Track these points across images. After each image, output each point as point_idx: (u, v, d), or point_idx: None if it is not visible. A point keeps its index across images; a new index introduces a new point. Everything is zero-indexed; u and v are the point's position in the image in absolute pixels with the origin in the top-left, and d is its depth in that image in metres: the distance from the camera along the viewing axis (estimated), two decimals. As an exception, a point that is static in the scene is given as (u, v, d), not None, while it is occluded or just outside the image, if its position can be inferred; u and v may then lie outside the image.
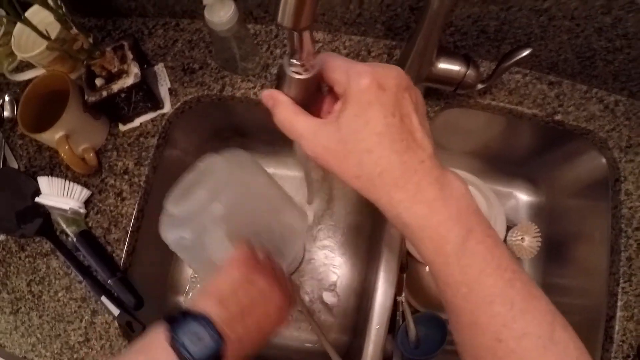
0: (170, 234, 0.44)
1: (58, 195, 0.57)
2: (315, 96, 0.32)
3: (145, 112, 0.59)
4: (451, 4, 0.44)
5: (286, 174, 0.78)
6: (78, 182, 0.57)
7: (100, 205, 0.58)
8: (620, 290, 0.55)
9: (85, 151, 0.57)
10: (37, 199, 0.57)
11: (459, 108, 0.62)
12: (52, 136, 0.54)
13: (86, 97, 0.54)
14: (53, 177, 0.58)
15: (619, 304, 0.54)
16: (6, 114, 0.65)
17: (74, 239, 0.55)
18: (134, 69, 0.54)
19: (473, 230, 0.28)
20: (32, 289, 0.57)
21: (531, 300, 0.28)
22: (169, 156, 0.63)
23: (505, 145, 0.70)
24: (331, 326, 0.71)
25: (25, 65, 0.65)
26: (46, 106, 0.56)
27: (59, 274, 0.56)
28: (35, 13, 0.58)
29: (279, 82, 0.31)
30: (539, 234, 0.63)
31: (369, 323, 0.56)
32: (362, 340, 0.56)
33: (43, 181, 0.57)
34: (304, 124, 0.30)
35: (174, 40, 0.63)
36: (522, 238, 0.63)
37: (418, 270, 0.68)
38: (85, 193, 0.57)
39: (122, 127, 0.60)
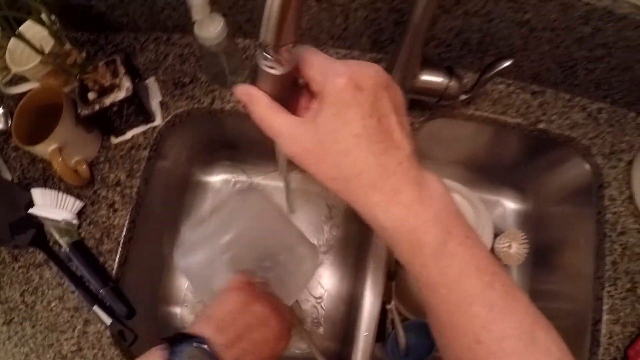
0: (182, 261, 0.46)
1: (51, 206, 0.58)
2: (292, 91, 0.32)
3: (137, 125, 0.61)
4: (432, 18, 0.47)
5: (277, 185, 0.80)
6: (71, 194, 0.59)
7: (93, 216, 0.59)
8: (605, 294, 0.57)
9: (78, 163, 0.59)
10: (30, 210, 0.58)
11: (443, 118, 0.64)
12: (46, 148, 0.55)
13: (79, 111, 0.56)
14: (46, 189, 0.59)
15: (605, 307, 0.56)
16: (0, 126, 0.67)
17: (67, 250, 0.57)
18: (126, 83, 0.56)
19: (452, 231, 0.28)
20: (26, 299, 0.58)
21: (511, 302, 0.28)
22: (160, 168, 0.65)
23: (492, 154, 0.72)
24: (321, 335, 0.72)
25: (19, 79, 0.66)
26: (40, 119, 0.58)
27: (52, 284, 0.58)
28: (29, 27, 0.60)
29: (254, 76, 0.30)
30: (526, 241, 0.65)
31: (357, 331, 0.57)
32: (350, 348, 0.58)
33: (36, 192, 0.59)
34: (282, 122, 0.29)
35: (165, 55, 0.65)
36: (509, 245, 0.64)
37: (407, 278, 0.70)
38: (78, 204, 0.59)
39: (114, 140, 0.62)
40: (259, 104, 0.30)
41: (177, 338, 0.35)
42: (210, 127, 0.69)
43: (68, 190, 0.60)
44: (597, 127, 0.62)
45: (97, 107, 0.56)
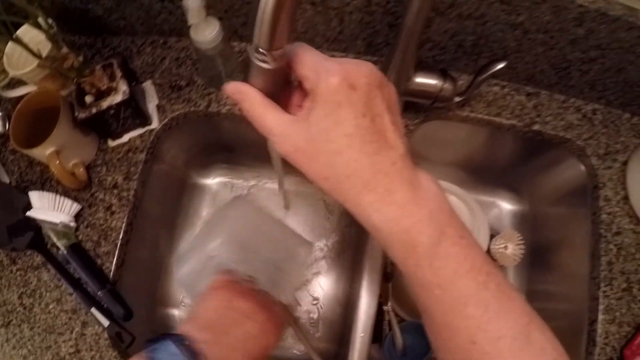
0: (179, 272, 0.47)
1: (49, 209, 0.59)
2: (284, 87, 0.31)
3: (134, 128, 0.62)
4: (425, 21, 0.48)
5: (273, 187, 0.82)
6: (68, 197, 0.60)
7: (90, 219, 0.60)
8: (601, 294, 0.57)
9: (75, 166, 0.60)
10: (28, 213, 0.60)
11: (438, 120, 0.65)
12: (43, 152, 0.56)
13: (76, 114, 0.57)
14: (44, 192, 0.60)
15: (601, 307, 0.57)
16: (-2, 129, 0.69)
17: (65, 252, 0.58)
18: (123, 87, 0.57)
19: (446, 231, 0.28)
20: (24, 302, 0.59)
21: (506, 302, 0.28)
22: (157, 171, 0.66)
23: (487, 156, 0.73)
24: (318, 336, 0.74)
25: (17, 82, 0.68)
26: (37, 122, 0.59)
27: (49, 286, 0.59)
28: (27, 31, 0.61)
29: (247, 72, 0.30)
30: (522, 242, 0.66)
31: (353, 332, 0.58)
32: (347, 349, 0.59)
33: (34, 195, 0.60)
34: (274, 120, 0.29)
35: (161, 58, 0.66)
36: (505, 246, 0.65)
37: (403, 279, 0.71)
38: (76, 207, 0.60)
39: (111, 143, 0.63)
40: (251, 100, 0.30)
41: (160, 338, 0.35)
42: (206, 130, 0.70)
43: (66, 193, 0.61)
44: (592, 128, 0.63)
45: (94, 110, 0.57)
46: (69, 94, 0.63)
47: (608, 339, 0.57)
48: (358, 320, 0.58)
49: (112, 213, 0.60)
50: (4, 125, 0.68)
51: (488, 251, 0.66)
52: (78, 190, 0.62)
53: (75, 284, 0.58)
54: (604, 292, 0.58)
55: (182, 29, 0.64)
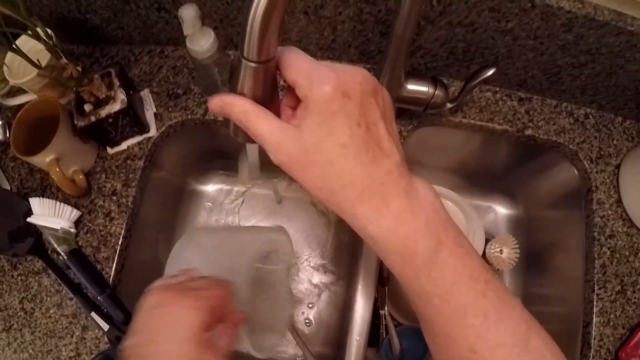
0: None
1: (49, 215, 0.62)
2: (273, 92, 0.31)
3: (132, 136, 0.65)
4: (414, 29, 0.50)
5: (268, 193, 0.84)
6: (68, 203, 0.63)
7: (90, 225, 0.63)
8: (595, 296, 0.60)
9: (75, 173, 0.63)
10: (29, 219, 0.62)
11: (432, 127, 0.67)
12: (43, 159, 0.59)
13: (75, 122, 0.60)
14: (44, 198, 0.62)
15: (595, 310, 0.59)
16: (-2, 137, 0.72)
17: (65, 258, 0.61)
18: (121, 95, 0.59)
19: (443, 240, 0.28)
20: (25, 306, 0.62)
21: (504, 310, 0.29)
22: (155, 178, 0.68)
23: (481, 161, 0.75)
24: (315, 340, 0.76)
25: (17, 91, 0.70)
26: (37, 130, 0.62)
27: (50, 291, 0.61)
28: (27, 41, 0.64)
29: (233, 76, 0.31)
30: (517, 246, 0.68)
31: (349, 335, 0.60)
32: (343, 353, 0.61)
33: (35, 202, 0.63)
34: (268, 129, 0.29)
35: (159, 67, 0.69)
36: (500, 250, 0.67)
37: (399, 284, 0.73)
38: (76, 213, 0.63)
39: (110, 151, 0.66)
40: (242, 110, 0.30)
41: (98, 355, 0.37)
42: (203, 137, 0.72)
43: (65, 199, 0.64)
44: (584, 132, 0.65)
45: (92, 118, 0.59)
46: (68, 102, 0.66)
47: (603, 341, 0.58)
48: (354, 324, 0.60)
49: (112, 219, 0.63)
50: (4, 133, 0.71)
51: (483, 255, 0.68)
52: (78, 197, 0.64)
53: (76, 288, 0.60)
54: (598, 294, 0.60)
55: (178, 38, 0.67)
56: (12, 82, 0.64)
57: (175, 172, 0.76)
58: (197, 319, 0.36)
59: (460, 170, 0.79)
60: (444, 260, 0.28)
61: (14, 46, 0.57)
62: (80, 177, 0.63)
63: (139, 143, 0.65)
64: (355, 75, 0.28)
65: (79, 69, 0.61)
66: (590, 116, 0.66)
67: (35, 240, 0.63)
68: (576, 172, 0.65)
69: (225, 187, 0.86)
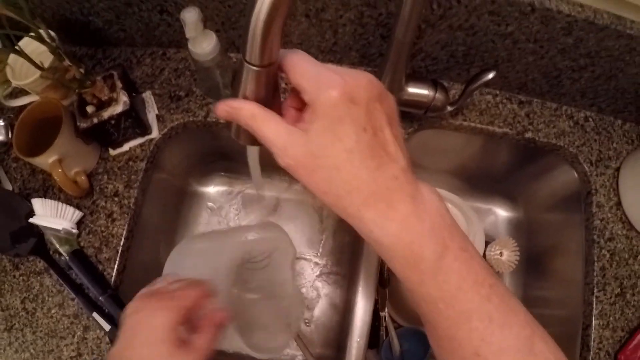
0: None
1: (51, 216, 0.63)
2: (275, 94, 0.32)
3: (134, 138, 0.66)
4: (415, 33, 0.51)
5: (269, 195, 0.85)
6: (70, 204, 0.64)
7: (92, 226, 0.64)
8: (595, 299, 0.61)
9: (77, 174, 0.64)
10: (31, 220, 0.63)
11: (432, 129, 0.68)
12: (46, 160, 0.60)
13: (78, 124, 0.61)
14: (46, 199, 0.64)
15: (595, 312, 0.60)
16: (0, 138, 0.73)
17: (67, 258, 0.62)
18: (123, 97, 0.61)
19: (448, 245, 0.28)
20: (26, 306, 0.63)
21: (509, 314, 0.29)
22: (157, 179, 0.70)
23: (482, 163, 0.77)
24: (315, 342, 0.77)
25: (19, 92, 0.72)
26: (40, 131, 0.63)
27: (52, 291, 0.63)
28: (29, 42, 0.65)
29: (235, 79, 0.31)
30: (517, 248, 0.69)
31: (350, 337, 0.62)
32: (344, 354, 0.62)
33: (37, 203, 0.64)
34: (275, 132, 0.29)
35: (160, 69, 0.70)
36: (500, 253, 0.68)
37: (400, 286, 0.74)
38: (78, 214, 0.64)
39: (112, 152, 0.67)
40: (250, 114, 0.30)
41: None
42: (205, 139, 0.74)
43: (68, 200, 0.65)
44: (584, 135, 0.66)
45: (95, 120, 0.61)
46: (71, 104, 0.67)
47: (602, 343, 0.60)
48: (354, 325, 0.61)
49: (113, 220, 0.64)
50: (7, 134, 0.72)
51: (483, 258, 0.69)
52: (80, 198, 0.65)
53: (77, 289, 0.61)
54: (598, 297, 0.61)
55: (180, 40, 0.68)
56: (15, 83, 0.65)
57: (177, 173, 0.77)
58: (167, 319, 0.38)
59: (460, 172, 0.80)
60: (449, 265, 0.28)
61: (17, 48, 0.59)
62: (83, 178, 0.64)
63: (141, 145, 0.67)
64: (361, 80, 0.28)
65: (82, 71, 0.63)
66: (590, 119, 0.67)
67: (37, 241, 0.64)
68: (576, 175, 0.67)
69: (227, 188, 0.87)
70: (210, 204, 0.85)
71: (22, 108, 0.66)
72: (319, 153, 0.28)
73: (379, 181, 0.28)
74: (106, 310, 0.60)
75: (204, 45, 0.57)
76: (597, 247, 0.62)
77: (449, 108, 0.60)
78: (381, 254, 0.30)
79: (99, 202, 0.65)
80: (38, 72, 0.62)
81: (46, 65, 0.61)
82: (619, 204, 0.64)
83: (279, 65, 0.30)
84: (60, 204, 0.64)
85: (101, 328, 0.60)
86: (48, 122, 0.63)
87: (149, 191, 0.68)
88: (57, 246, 0.63)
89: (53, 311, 0.62)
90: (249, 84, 0.32)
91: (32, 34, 0.58)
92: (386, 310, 0.72)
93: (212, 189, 0.87)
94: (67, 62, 0.62)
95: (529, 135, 0.66)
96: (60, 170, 0.60)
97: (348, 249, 0.80)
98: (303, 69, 0.29)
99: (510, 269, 0.69)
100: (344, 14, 0.58)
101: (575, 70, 0.61)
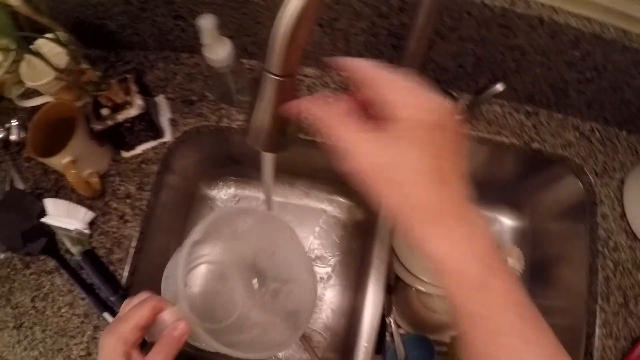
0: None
1: (63, 216, 0.65)
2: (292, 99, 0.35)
3: (147, 141, 0.69)
4: (427, 45, 0.54)
5: (277, 200, 0.87)
6: (82, 205, 0.66)
7: (104, 227, 0.66)
8: (598, 308, 0.62)
9: (90, 175, 0.66)
10: (43, 220, 0.65)
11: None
12: (60, 161, 0.62)
13: (93, 126, 0.64)
14: (59, 199, 0.66)
15: (598, 322, 0.62)
16: (13, 137, 0.75)
17: (79, 258, 0.64)
18: (138, 101, 0.63)
19: (492, 265, 0.31)
20: (36, 305, 0.65)
21: (541, 335, 0.31)
22: (169, 182, 0.72)
23: (488, 173, 0.79)
24: (322, 346, 0.79)
25: (32, 92, 0.73)
26: (53, 132, 0.65)
27: (62, 290, 0.64)
28: (43, 44, 0.67)
29: (255, 88, 0.34)
30: (522, 257, 0.71)
31: (357, 342, 0.63)
32: (351, 359, 0.64)
33: (49, 202, 0.66)
34: (353, 135, 0.31)
35: (174, 73, 0.73)
36: (505, 261, 0.70)
37: (406, 292, 0.76)
38: (90, 215, 0.66)
39: (125, 154, 0.69)
40: (326, 115, 0.32)
41: None
42: (217, 143, 0.76)
43: (80, 201, 0.67)
44: (590, 146, 0.68)
45: (110, 123, 0.63)
46: (84, 106, 0.69)
47: (605, 352, 0.61)
48: (362, 330, 0.63)
49: (126, 222, 0.66)
50: (19, 134, 0.74)
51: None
52: (92, 199, 0.67)
53: (88, 289, 0.63)
54: (601, 306, 0.63)
55: (194, 45, 0.70)
56: (29, 84, 0.67)
57: (188, 176, 0.79)
58: (113, 345, 0.40)
59: (467, 180, 0.82)
60: (492, 283, 0.31)
61: (33, 49, 0.61)
62: (95, 179, 0.66)
63: (153, 148, 0.69)
64: (445, 109, 0.30)
65: (98, 74, 0.65)
66: (596, 130, 0.69)
67: (48, 240, 0.66)
68: (581, 185, 0.69)
69: (237, 192, 0.89)
70: (220, 205, 0.87)
71: (34, 108, 0.68)
72: (392, 166, 0.30)
73: (441, 203, 0.30)
74: (117, 310, 0.62)
75: (219, 51, 0.59)
76: (601, 257, 0.64)
77: (458, 118, 0.62)
78: (431, 267, 0.32)
79: (111, 203, 0.67)
80: (52, 74, 0.64)
81: (60, 66, 0.63)
82: (623, 214, 0.66)
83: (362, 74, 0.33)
84: (72, 204, 0.66)
85: (112, 328, 0.62)
86: (62, 123, 0.64)
87: (160, 194, 0.70)
88: (69, 246, 0.65)
89: (63, 310, 0.64)
90: (267, 93, 0.34)
91: (51, 35, 0.61)
92: (392, 316, 0.74)
93: (222, 193, 0.89)
94: (84, 65, 0.64)
95: (535, 145, 0.68)
96: (74, 171, 0.62)
97: (356, 254, 0.83)
98: (394, 84, 0.31)
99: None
100: (356, 23, 0.60)
101: (582, 82, 0.63)
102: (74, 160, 0.63)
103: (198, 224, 0.47)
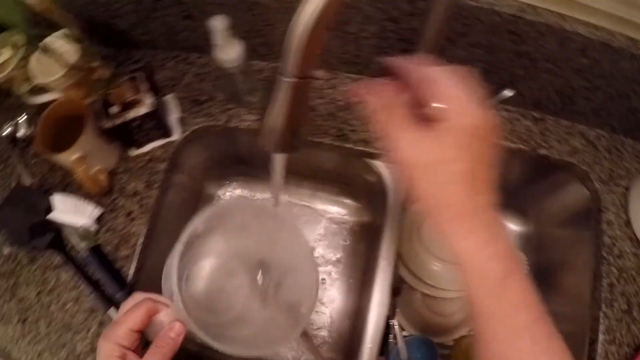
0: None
1: (70, 212, 0.66)
2: (306, 106, 0.38)
3: (156, 139, 0.70)
4: (437, 51, 0.54)
5: (284, 200, 0.87)
6: (89, 201, 0.67)
7: (111, 223, 0.67)
8: (602, 314, 0.63)
9: (98, 172, 0.67)
10: (50, 215, 0.66)
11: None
12: (69, 157, 0.62)
13: (102, 123, 0.65)
14: (66, 195, 0.67)
15: (601, 327, 0.62)
16: (21, 133, 0.76)
17: (85, 254, 0.65)
18: (148, 99, 0.64)
19: (511, 267, 0.34)
20: (41, 299, 0.65)
21: (552, 340, 0.34)
22: (176, 181, 0.73)
23: (495, 178, 0.79)
24: (325, 346, 0.80)
25: (40, 89, 0.74)
26: (62, 129, 0.65)
27: (68, 286, 0.65)
28: (53, 41, 0.68)
29: (269, 89, 0.36)
30: (527, 262, 0.72)
31: (362, 343, 0.64)
32: (354, 359, 0.65)
33: (57, 198, 0.67)
34: (407, 129, 0.34)
35: (183, 73, 0.74)
36: (521, 264, 0.71)
37: (410, 295, 0.77)
38: (97, 211, 0.67)
39: (133, 152, 0.70)
40: (388, 108, 0.36)
41: None
42: (224, 143, 0.77)
43: (87, 197, 0.68)
44: (596, 153, 0.69)
45: (119, 120, 0.64)
46: (93, 103, 0.70)
47: (608, 358, 0.62)
48: (367, 332, 0.64)
49: (133, 219, 0.67)
50: (27, 130, 0.75)
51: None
52: (99, 195, 0.68)
53: (94, 285, 0.64)
54: (605, 312, 0.63)
55: (203, 46, 0.71)
56: (39, 81, 0.68)
57: (195, 176, 0.80)
58: (108, 351, 0.41)
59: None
60: (510, 285, 0.34)
61: (43, 46, 0.62)
62: (103, 176, 0.67)
63: (162, 146, 0.70)
64: (487, 119, 0.34)
65: (110, 72, 0.66)
66: (602, 138, 0.70)
67: (55, 236, 0.67)
68: (587, 192, 0.70)
69: (243, 192, 0.91)
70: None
71: (42, 105, 0.69)
72: (433, 166, 0.34)
73: (471, 204, 0.34)
74: (122, 307, 0.63)
75: (229, 52, 0.60)
76: (605, 264, 0.65)
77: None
78: (456, 263, 0.35)
79: (118, 200, 0.68)
80: (61, 70, 0.65)
81: (70, 63, 0.64)
82: (628, 222, 0.66)
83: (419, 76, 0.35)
84: (79, 200, 0.67)
85: (117, 324, 0.63)
86: (70, 121, 0.65)
87: (168, 192, 0.71)
88: (75, 242, 0.66)
89: (68, 305, 0.65)
90: (283, 95, 0.36)
91: (64, 32, 0.62)
92: (396, 318, 0.75)
93: (228, 193, 0.90)
94: (97, 63, 0.65)
95: (542, 151, 0.69)
96: (82, 167, 0.63)
97: (362, 256, 0.84)
98: (446, 90, 0.34)
99: (519, 283, 0.71)
100: (366, 27, 0.61)
101: (590, 89, 0.64)
102: (83, 156, 0.64)
103: (193, 218, 0.48)
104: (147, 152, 0.70)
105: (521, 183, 0.79)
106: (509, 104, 0.71)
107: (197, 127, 0.71)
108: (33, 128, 0.76)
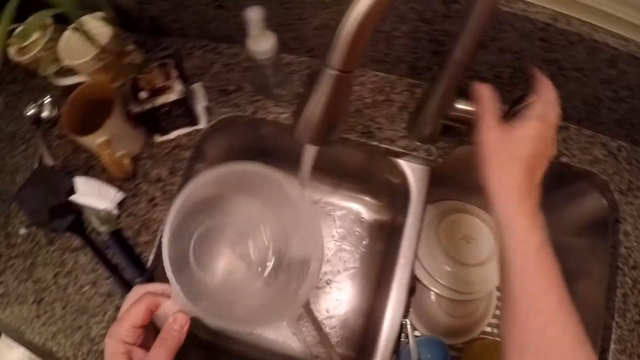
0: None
1: (93, 195, 0.67)
2: (347, 101, 0.43)
3: (182, 127, 0.70)
4: (471, 54, 0.55)
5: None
6: (112, 185, 0.67)
7: (133, 208, 0.68)
8: (614, 324, 0.64)
9: (123, 157, 0.67)
10: (72, 197, 0.67)
11: (472, 145, 0.72)
12: (95, 140, 0.63)
13: (130, 108, 0.65)
14: (89, 178, 0.67)
15: (613, 337, 0.63)
16: (45, 114, 0.77)
17: (105, 238, 0.65)
18: (178, 86, 0.65)
19: (546, 240, 0.45)
20: (58, 281, 0.66)
21: (571, 307, 0.43)
22: (200, 169, 0.73)
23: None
24: (338, 341, 0.81)
25: (66, 71, 0.74)
26: (88, 112, 0.66)
27: (86, 269, 0.66)
28: (89, 20, 0.67)
29: (311, 81, 0.39)
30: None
31: (376, 341, 0.65)
32: (369, 357, 0.65)
33: (79, 181, 0.67)
34: (497, 117, 0.51)
35: (212, 62, 0.75)
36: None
37: (424, 295, 0.78)
38: (119, 195, 0.67)
39: (158, 138, 0.71)
40: (490, 101, 0.52)
41: None
42: (248, 134, 0.78)
43: (109, 181, 0.68)
44: (617, 164, 0.70)
45: (148, 106, 0.65)
46: (120, 87, 0.71)
47: (618, 368, 0.63)
48: (382, 330, 0.65)
49: (155, 205, 0.67)
50: (52, 111, 0.76)
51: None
52: (123, 180, 0.69)
53: (113, 269, 0.65)
54: (617, 322, 0.64)
55: (234, 36, 0.72)
56: (68, 62, 0.68)
57: (217, 165, 0.80)
58: (111, 347, 0.41)
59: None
60: (545, 251, 0.45)
61: (79, 24, 0.62)
62: (128, 160, 0.68)
63: (187, 134, 0.71)
64: (554, 130, 0.50)
65: (142, 57, 0.67)
66: (623, 149, 0.71)
67: (75, 218, 0.68)
68: (605, 202, 0.71)
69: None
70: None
71: (67, 87, 0.70)
72: (509, 151, 0.48)
73: (527, 191, 0.47)
74: (142, 291, 0.64)
75: (262, 43, 0.61)
76: (620, 274, 0.66)
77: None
78: (501, 230, 0.46)
79: (142, 186, 0.69)
80: (91, 53, 0.66)
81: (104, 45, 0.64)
82: (644, 234, 0.68)
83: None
84: (102, 184, 0.67)
85: (135, 309, 0.63)
86: (97, 104, 0.66)
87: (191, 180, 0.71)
88: (97, 225, 0.66)
89: (85, 288, 0.65)
90: (325, 87, 0.37)
91: (101, 14, 0.62)
92: (408, 317, 0.76)
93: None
94: (130, 47, 0.66)
95: (564, 159, 0.70)
96: (108, 150, 0.64)
97: (379, 254, 0.84)
98: (549, 97, 0.52)
99: (533, 289, 0.72)
100: (399, 27, 0.62)
101: (615, 101, 0.65)
102: (109, 140, 0.64)
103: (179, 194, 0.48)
104: (173, 139, 0.71)
105: (540, 189, 0.80)
106: (533, 111, 0.72)
107: (223, 116, 0.71)
108: (57, 110, 0.76)
